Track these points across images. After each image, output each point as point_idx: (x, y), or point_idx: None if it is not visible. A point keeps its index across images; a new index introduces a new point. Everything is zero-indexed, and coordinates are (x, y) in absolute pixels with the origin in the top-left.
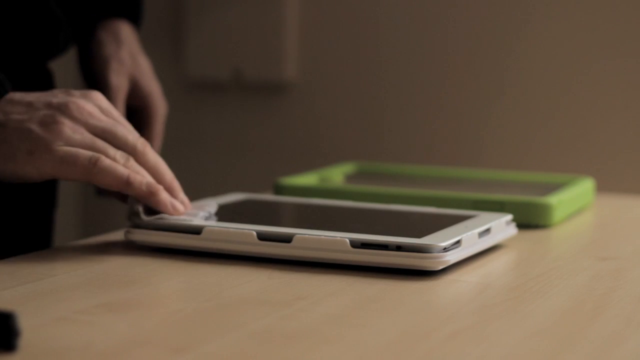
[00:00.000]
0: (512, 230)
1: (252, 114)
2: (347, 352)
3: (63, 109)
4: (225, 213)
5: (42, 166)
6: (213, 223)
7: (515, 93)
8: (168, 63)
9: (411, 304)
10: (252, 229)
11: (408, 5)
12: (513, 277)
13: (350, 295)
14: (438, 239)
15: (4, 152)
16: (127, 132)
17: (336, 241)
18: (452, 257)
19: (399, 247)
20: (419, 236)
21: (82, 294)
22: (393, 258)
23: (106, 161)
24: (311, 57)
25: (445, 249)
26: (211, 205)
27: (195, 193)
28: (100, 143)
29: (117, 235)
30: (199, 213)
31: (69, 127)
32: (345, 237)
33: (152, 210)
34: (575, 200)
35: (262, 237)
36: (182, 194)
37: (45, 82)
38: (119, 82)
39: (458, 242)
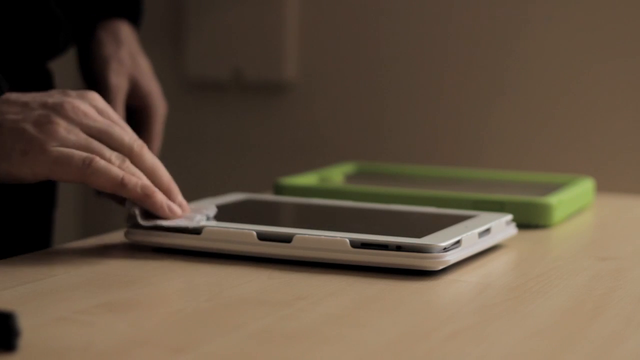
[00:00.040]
0: (512, 230)
1: (252, 114)
2: (347, 352)
3: (58, 109)
4: (225, 213)
5: (36, 167)
6: (213, 223)
7: (515, 93)
8: (168, 63)
9: (411, 304)
10: (252, 229)
11: (408, 5)
12: (513, 277)
13: (350, 295)
14: (438, 239)
15: None
16: (124, 133)
17: (336, 241)
18: (452, 257)
19: (399, 247)
20: (419, 236)
21: (82, 294)
22: (393, 258)
23: (100, 162)
24: (311, 57)
25: (445, 249)
26: (210, 208)
27: (195, 193)
28: (95, 144)
29: (117, 235)
30: (196, 217)
31: (63, 128)
32: (345, 237)
33: (150, 213)
34: (575, 200)
35: (262, 237)
36: (180, 197)
37: (45, 83)
38: (119, 82)
39: (458, 242)
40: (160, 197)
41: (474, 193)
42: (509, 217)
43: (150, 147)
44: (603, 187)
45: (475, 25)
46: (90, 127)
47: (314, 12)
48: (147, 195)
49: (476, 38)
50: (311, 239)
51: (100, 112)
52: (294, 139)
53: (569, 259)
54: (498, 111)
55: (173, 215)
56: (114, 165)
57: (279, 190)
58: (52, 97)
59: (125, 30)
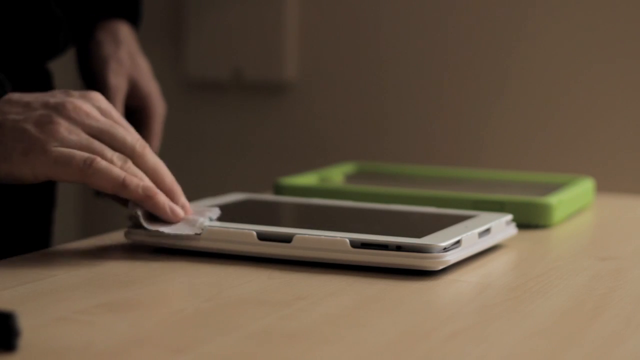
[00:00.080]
0: (512, 230)
1: (252, 114)
2: (347, 352)
3: (59, 109)
4: (225, 213)
5: (37, 167)
6: (213, 223)
7: (515, 93)
8: (168, 63)
9: (411, 304)
10: (252, 229)
11: (408, 5)
12: (513, 277)
13: (350, 295)
14: (438, 239)
15: (0, 152)
16: (126, 133)
17: (336, 241)
18: (452, 257)
19: (399, 247)
20: (419, 236)
21: (82, 294)
22: (393, 258)
23: (102, 163)
24: (311, 57)
25: (445, 249)
26: (212, 210)
27: (195, 193)
28: (97, 144)
29: (117, 235)
30: (199, 220)
31: (64, 128)
32: (345, 237)
33: (153, 215)
34: (575, 200)
35: (262, 237)
36: (182, 198)
37: (45, 83)
38: (118, 82)
39: (458, 242)
40: (162, 198)
41: (474, 193)
42: (509, 217)
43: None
44: (603, 187)
45: (475, 26)
46: (92, 127)
47: (314, 12)
48: (148, 197)
49: (476, 38)
50: (311, 239)
51: (102, 112)
52: (294, 139)
53: (569, 259)
54: (498, 111)
55: (175, 217)
56: (115, 165)
57: (279, 190)
58: (54, 97)
59: (124, 31)
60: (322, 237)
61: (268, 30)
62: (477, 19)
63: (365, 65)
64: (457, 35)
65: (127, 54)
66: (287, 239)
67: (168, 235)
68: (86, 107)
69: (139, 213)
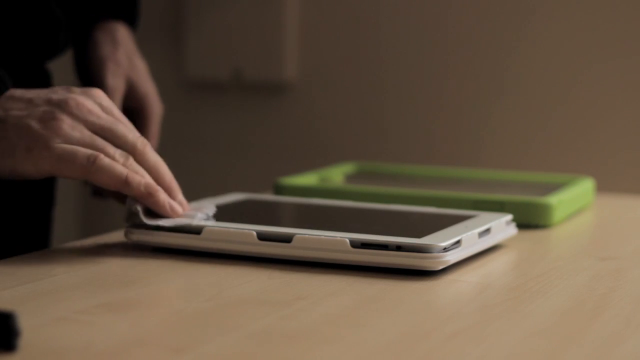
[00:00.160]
0: (512, 230)
1: (252, 114)
2: (347, 352)
3: (63, 106)
4: (225, 213)
5: (40, 163)
6: (213, 223)
7: (515, 93)
8: (168, 63)
9: (411, 304)
10: (252, 229)
11: (408, 5)
12: (513, 277)
13: (350, 295)
14: (438, 239)
15: (3, 148)
16: (127, 130)
17: (336, 241)
18: (452, 257)
19: (399, 247)
20: (419, 236)
21: (82, 294)
22: (393, 258)
23: (105, 160)
24: (311, 57)
25: (445, 249)
26: (209, 207)
27: (195, 193)
28: (99, 141)
29: (117, 235)
30: (197, 215)
31: (67, 124)
32: (345, 237)
33: (150, 210)
34: (575, 200)
35: (262, 237)
36: (180, 195)
37: (44, 83)
38: (116, 83)
39: (458, 242)
40: (162, 196)
41: (474, 193)
42: (509, 217)
43: None
44: (603, 187)
45: (475, 25)
46: (95, 124)
47: (314, 12)
48: (150, 194)
49: (476, 38)
50: (311, 239)
51: (104, 109)
52: (294, 139)
53: (569, 259)
54: (498, 111)
55: (174, 214)
56: (118, 162)
57: (279, 190)
58: (56, 93)
59: (122, 32)
60: (322, 237)
61: (268, 30)
62: (477, 19)
63: (365, 65)
64: (457, 35)
65: (124, 55)
66: (287, 239)
67: (169, 228)
68: (88, 104)
69: (139, 209)
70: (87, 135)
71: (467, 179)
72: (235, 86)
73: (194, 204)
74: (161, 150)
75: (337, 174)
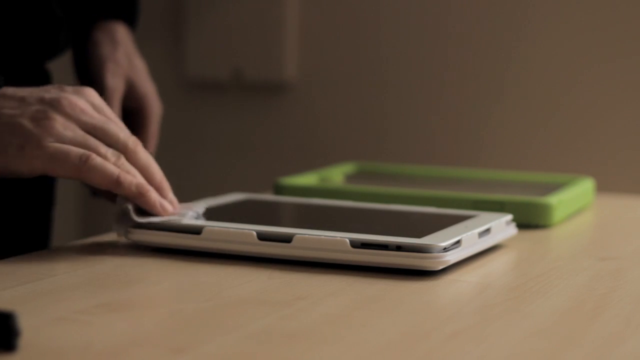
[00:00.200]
0: (512, 230)
1: (252, 114)
2: (347, 352)
3: (55, 105)
4: (225, 213)
5: (32, 162)
6: (213, 223)
7: (515, 93)
8: (168, 63)
9: (411, 304)
10: (252, 229)
11: (408, 5)
12: (513, 277)
13: (350, 295)
14: (438, 239)
15: None
16: (119, 129)
17: (336, 241)
18: (452, 257)
19: (399, 247)
20: (419, 236)
21: (82, 294)
22: (393, 258)
23: (97, 159)
24: (311, 57)
25: (445, 249)
26: (199, 205)
27: (195, 193)
28: (92, 141)
29: (117, 235)
30: (188, 212)
31: (60, 123)
32: (345, 237)
33: (141, 209)
34: (575, 200)
35: (262, 237)
36: (170, 194)
37: (44, 83)
38: (115, 83)
39: (458, 242)
40: (154, 195)
41: (474, 193)
42: (509, 217)
43: (146, 148)
44: (603, 187)
45: (475, 26)
46: (87, 123)
47: (314, 12)
48: (141, 194)
49: (476, 38)
50: (311, 239)
51: (96, 108)
52: (294, 139)
53: (569, 259)
54: (498, 111)
55: (165, 213)
56: (109, 161)
57: (279, 190)
58: (48, 92)
59: (121, 32)
60: (322, 237)
61: (268, 30)
62: (477, 19)
63: (365, 65)
64: (457, 35)
65: (124, 54)
66: (287, 239)
67: (160, 225)
68: (81, 103)
69: (130, 207)
70: (79, 134)
71: (467, 179)
72: (235, 86)
73: (185, 204)
74: (161, 150)
75: (337, 174)
